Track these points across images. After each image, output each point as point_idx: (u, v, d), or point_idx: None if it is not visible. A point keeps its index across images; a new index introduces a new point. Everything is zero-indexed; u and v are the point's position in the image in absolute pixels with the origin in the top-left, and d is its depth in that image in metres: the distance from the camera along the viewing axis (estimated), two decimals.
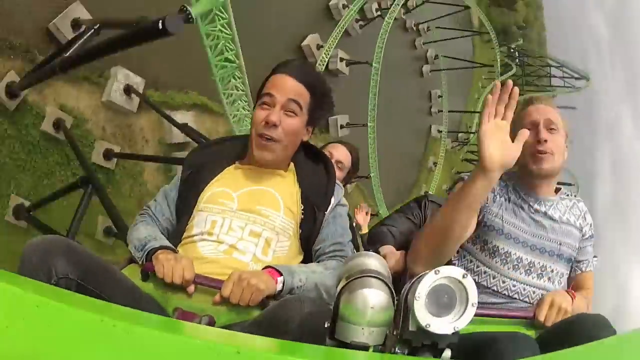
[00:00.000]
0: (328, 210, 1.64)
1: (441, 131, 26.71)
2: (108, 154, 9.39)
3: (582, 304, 1.72)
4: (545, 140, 1.64)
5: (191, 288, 1.38)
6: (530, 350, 1.26)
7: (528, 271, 1.63)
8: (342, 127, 17.15)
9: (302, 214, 1.60)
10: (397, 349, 0.98)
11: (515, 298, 1.62)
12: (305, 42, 16.77)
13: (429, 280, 0.91)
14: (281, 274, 1.40)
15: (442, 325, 0.91)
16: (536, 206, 1.69)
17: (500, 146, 1.36)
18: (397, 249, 2.08)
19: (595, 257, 1.84)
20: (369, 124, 17.98)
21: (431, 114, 27.81)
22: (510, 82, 1.39)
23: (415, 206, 2.39)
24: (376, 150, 18.35)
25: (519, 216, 1.67)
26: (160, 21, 5.29)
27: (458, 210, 1.43)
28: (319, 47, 17.08)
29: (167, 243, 1.50)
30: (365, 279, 0.93)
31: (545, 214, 1.69)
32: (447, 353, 1.00)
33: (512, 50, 41.59)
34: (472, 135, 28.81)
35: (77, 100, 9.08)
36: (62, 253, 1.15)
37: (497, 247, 1.62)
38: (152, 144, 10.60)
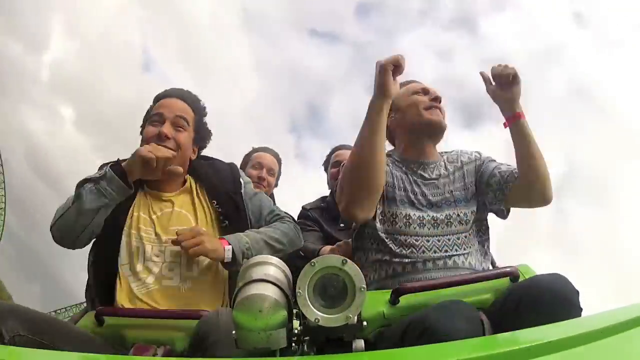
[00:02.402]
0: (243, 190, 1.77)
1: None
2: None
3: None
4: (440, 100, 1.84)
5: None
6: (464, 318, 1.14)
7: (435, 225, 1.68)
8: None
9: (218, 208, 1.71)
10: (305, 348, 0.99)
11: (438, 252, 1.62)
12: None
13: (307, 274, 0.94)
14: (229, 243, 1.58)
15: (332, 318, 0.92)
16: (420, 172, 1.79)
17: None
18: None
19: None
20: None
21: None
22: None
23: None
24: None
25: (412, 184, 1.75)
26: None
27: (365, 136, 1.61)
28: None
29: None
30: (251, 285, 0.93)
31: (431, 177, 1.78)
32: (359, 343, 1.01)
33: None
34: None
35: None
36: (8, 313, 1.22)
37: (396, 213, 1.68)
38: None
